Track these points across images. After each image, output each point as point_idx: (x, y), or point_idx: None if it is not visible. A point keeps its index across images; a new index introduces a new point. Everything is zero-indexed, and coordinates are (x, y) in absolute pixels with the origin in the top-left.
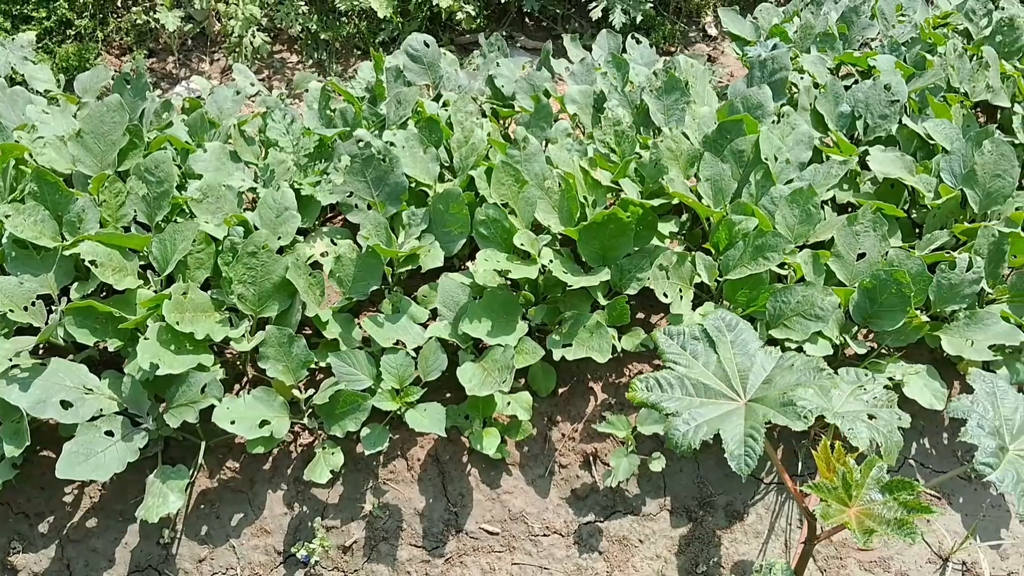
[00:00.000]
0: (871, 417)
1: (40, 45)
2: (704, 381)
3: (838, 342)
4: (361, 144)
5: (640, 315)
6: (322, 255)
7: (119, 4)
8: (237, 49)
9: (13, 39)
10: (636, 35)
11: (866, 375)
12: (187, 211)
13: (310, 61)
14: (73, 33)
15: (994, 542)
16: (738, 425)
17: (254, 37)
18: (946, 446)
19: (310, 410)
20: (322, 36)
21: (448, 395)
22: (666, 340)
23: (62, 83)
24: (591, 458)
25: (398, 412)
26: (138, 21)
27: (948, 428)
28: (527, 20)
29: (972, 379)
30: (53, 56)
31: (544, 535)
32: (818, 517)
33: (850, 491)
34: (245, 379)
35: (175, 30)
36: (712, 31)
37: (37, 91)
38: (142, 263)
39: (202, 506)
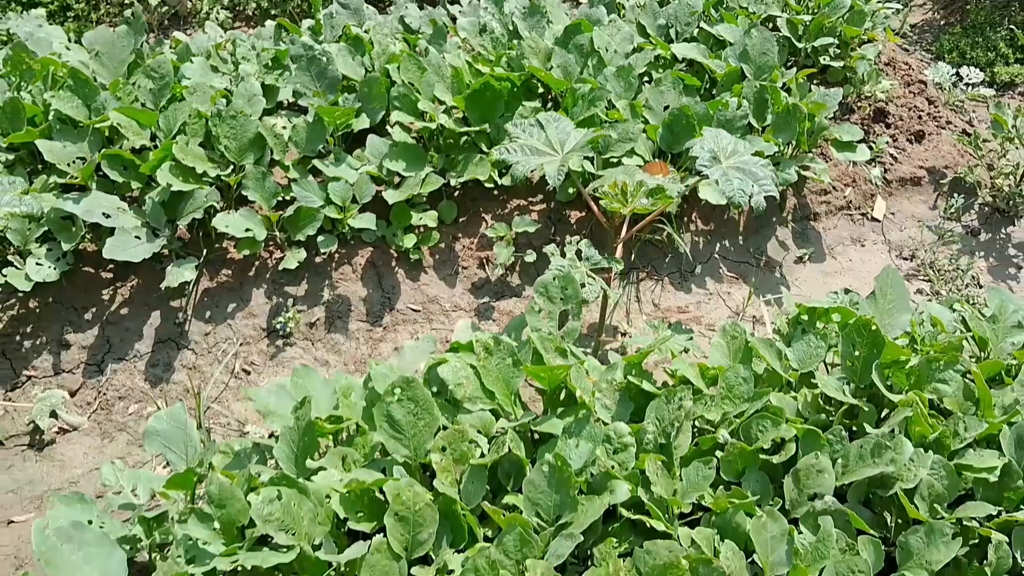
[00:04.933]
0: None
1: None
2: (537, 146)
3: (649, 158)
4: (306, 47)
5: None
6: (283, 128)
7: None
8: (205, 24)
9: (29, 12)
10: None
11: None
12: (183, 100)
13: None
14: (72, 15)
15: (773, 295)
16: (554, 164)
17: (218, 14)
18: (741, 245)
19: (280, 225)
20: (272, 12)
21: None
22: (513, 127)
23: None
24: (485, 261)
25: (345, 220)
26: (125, 1)
27: (743, 232)
28: None
29: (704, 132)
30: None
31: (453, 311)
32: (605, 208)
33: (626, 198)
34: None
35: (155, 6)
36: None
37: None
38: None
39: (206, 299)
